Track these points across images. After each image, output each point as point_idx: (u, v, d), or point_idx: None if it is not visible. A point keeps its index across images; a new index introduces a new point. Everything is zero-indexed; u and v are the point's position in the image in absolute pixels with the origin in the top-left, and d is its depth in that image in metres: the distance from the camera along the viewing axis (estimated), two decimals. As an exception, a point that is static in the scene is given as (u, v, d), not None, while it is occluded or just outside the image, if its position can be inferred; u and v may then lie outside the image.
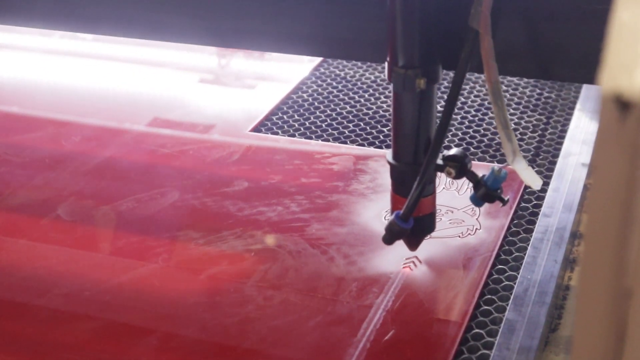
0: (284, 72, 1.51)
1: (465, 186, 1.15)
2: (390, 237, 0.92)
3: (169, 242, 1.06)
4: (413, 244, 0.98)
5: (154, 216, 1.12)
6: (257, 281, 0.99)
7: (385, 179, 1.18)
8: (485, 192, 0.91)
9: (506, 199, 0.92)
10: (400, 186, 0.94)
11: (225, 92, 1.47)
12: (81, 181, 1.20)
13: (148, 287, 0.99)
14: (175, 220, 1.10)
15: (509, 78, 1.44)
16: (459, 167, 0.90)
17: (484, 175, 0.91)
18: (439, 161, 0.91)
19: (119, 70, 1.54)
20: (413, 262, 1.01)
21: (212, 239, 1.06)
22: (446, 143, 1.27)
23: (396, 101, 0.91)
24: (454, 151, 0.91)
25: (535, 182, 0.89)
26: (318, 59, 1.52)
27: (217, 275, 1.00)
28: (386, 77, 0.89)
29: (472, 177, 0.91)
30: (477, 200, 0.92)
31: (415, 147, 0.91)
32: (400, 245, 0.97)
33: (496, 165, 0.90)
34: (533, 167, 1.20)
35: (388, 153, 0.95)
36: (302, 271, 1.00)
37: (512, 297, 0.95)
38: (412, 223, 0.91)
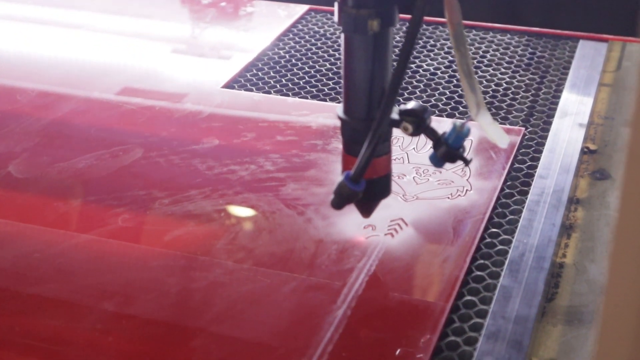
0: (259, 32, 1.41)
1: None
2: (339, 200, 0.81)
3: (130, 201, 0.97)
4: (366, 210, 0.88)
5: (115, 174, 1.02)
6: (227, 243, 0.90)
7: (367, 138, 1.09)
8: (447, 151, 0.80)
9: (469, 159, 0.81)
10: (352, 145, 0.84)
11: (200, 57, 1.36)
12: (35, 137, 1.10)
13: (106, 249, 0.89)
14: (138, 179, 1.01)
15: (499, 37, 1.35)
16: (417, 123, 0.79)
17: (444, 133, 0.81)
18: (395, 116, 0.80)
19: (89, 40, 1.42)
20: (398, 224, 0.92)
21: (179, 198, 0.97)
22: (407, 95, 1.18)
23: (347, 46, 0.80)
24: (411, 105, 0.81)
25: (502, 140, 0.80)
26: (296, 16, 1.43)
27: (183, 237, 0.91)
28: (335, 19, 0.79)
29: (432, 134, 0.80)
30: (438, 159, 0.81)
31: (368, 100, 0.81)
32: (384, 206, 0.88)
33: (458, 121, 0.80)
34: (527, 127, 1.12)
35: (338, 107, 0.84)
36: (277, 233, 0.91)
37: (507, 262, 0.87)
38: (364, 185, 0.80)
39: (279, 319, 0.80)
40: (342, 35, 0.80)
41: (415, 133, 0.80)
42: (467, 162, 0.81)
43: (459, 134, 0.80)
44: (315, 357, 0.75)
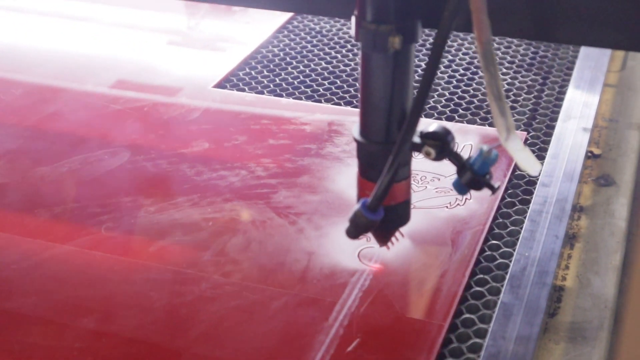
0: (254, 28, 1.36)
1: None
2: (355, 230, 0.76)
3: (114, 209, 0.92)
4: (382, 238, 0.82)
5: (100, 179, 0.98)
6: (215, 255, 0.85)
7: (363, 142, 1.04)
8: (472, 178, 0.74)
9: (496, 186, 0.76)
10: (368, 169, 0.78)
11: (193, 52, 1.31)
12: (18, 139, 1.05)
13: (88, 260, 0.85)
14: (124, 185, 0.97)
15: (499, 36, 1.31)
16: (440, 147, 0.74)
17: (469, 158, 0.75)
18: (416, 139, 0.75)
19: (82, 31, 1.37)
20: (394, 235, 0.88)
21: (165, 206, 0.93)
22: (428, 111, 1.14)
23: (365, 64, 0.75)
24: (434, 127, 0.75)
25: (533, 167, 0.74)
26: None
27: (168, 247, 0.87)
28: (352, 34, 0.73)
29: (456, 158, 0.75)
30: (462, 186, 0.75)
31: (388, 121, 0.75)
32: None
33: (485, 145, 0.75)
34: (529, 132, 1.08)
35: (355, 128, 0.78)
36: (267, 244, 0.87)
37: (507, 277, 0.83)
38: (382, 214, 0.75)
39: (267, 337, 0.76)
40: (360, 52, 0.75)
41: (438, 158, 0.75)
42: (494, 190, 0.75)
43: (486, 160, 0.74)
44: (304, 381, 0.71)
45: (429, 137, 0.74)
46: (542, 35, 0.74)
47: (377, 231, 0.80)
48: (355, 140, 0.77)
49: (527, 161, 0.71)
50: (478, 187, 0.75)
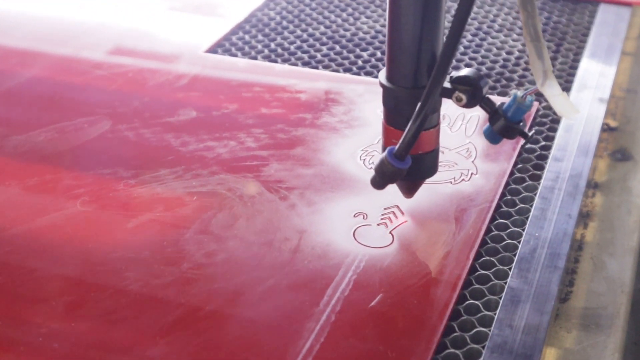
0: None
1: (459, 122, 0.95)
2: (381, 179, 0.73)
3: (92, 181, 0.86)
4: (408, 190, 0.79)
5: (77, 149, 0.91)
6: (198, 232, 0.79)
7: (363, 112, 0.97)
8: (505, 125, 0.71)
9: (530, 134, 0.72)
10: (395, 116, 0.74)
11: (183, 15, 1.23)
12: (-7, 105, 0.99)
13: (61, 237, 0.78)
14: (103, 155, 0.90)
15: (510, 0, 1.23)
16: (472, 92, 0.70)
17: (502, 104, 0.72)
18: (446, 84, 0.71)
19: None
20: (393, 212, 0.81)
21: (147, 178, 0.86)
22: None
23: (393, 1, 0.70)
24: (465, 71, 0.71)
25: (571, 113, 0.70)
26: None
27: (149, 224, 0.80)
28: None
29: (489, 105, 0.72)
30: (494, 134, 0.72)
31: (417, 65, 0.71)
32: (376, 193, 0.77)
33: (519, 91, 0.70)
34: (540, 102, 1.00)
35: (381, 73, 0.75)
36: (256, 221, 0.80)
37: (515, 259, 0.76)
38: (409, 162, 0.71)
39: (254, 322, 0.69)
40: None
41: (469, 104, 0.71)
42: (528, 138, 0.72)
43: (520, 106, 0.71)
44: (290, 373, 0.64)
45: (460, 82, 0.70)
46: None
47: (402, 182, 0.77)
48: (382, 85, 0.74)
49: (564, 107, 0.68)
50: (511, 135, 0.72)
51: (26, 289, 0.72)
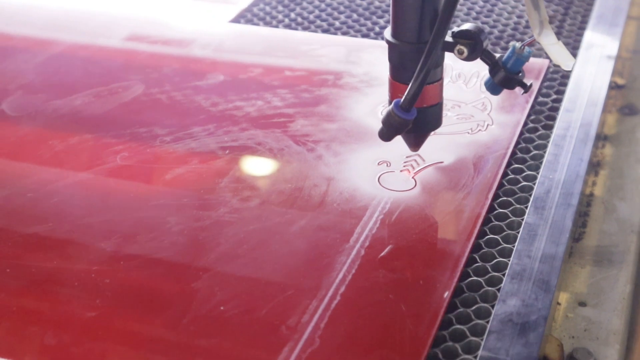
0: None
1: (474, 79, 1.00)
2: (388, 130, 0.77)
3: (129, 139, 0.91)
4: (414, 142, 0.83)
5: (114, 111, 0.96)
6: (233, 181, 0.84)
7: (382, 72, 1.02)
8: (505, 76, 0.75)
9: (529, 84, 0.76)
10: (400, 70, 0.78)
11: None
12: (31, 74, 1.04)
13: (103, 188, 0.84)
14: (138, 116, 0.95)
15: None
16: (473, 45, 0.74)
17: (502, 56, 0.76)
18: (448, 38, 0.74)
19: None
20: (415, 160, 0.86)
21: (181, 135, 0.91)
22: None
23: None
24: (466, 26, 0.75)
25: (567, 61, 0.74)
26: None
27: (185, 175, 0.85)
28: None
29: (489, 57, 0.75)
30: (495, 85, 0.76)
31: (420, 21, 0.75)
32: (399, 142, 0.82)
33: (517, 43, 0.74)
34: (551, 60, 1.05)
35: (386, 30, 0.79)
36: (285, 170, 0.86)
37: (532, 198, 0.81)
38: (415, 114, 0.75)
39: (289, 257, 0.74)
40: None
41: (470, 57, 0.75)
42: (527, 88, 0.75)
43: (519, 57, 0.74)
44: (327, 298, 0.69)
45: (461, 36, 0.74)
46: None
47: (409, 135, 0.80)
48: (387, 41, 0.77)
49: (560, 55, 0.71)
50: (511, 86, 0.75)
51: (78, 233, 0.78)
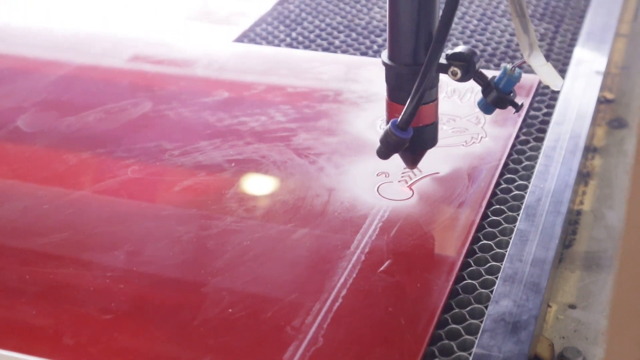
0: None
1: (468, 94, 1.04)
2: (385, 149, 0.80)
3: (139, 153, 0.95)
4: (411, 160, 0.87)
5: (124, 127, 1.00)
6: (238, 192, 0.88)
7: (380, 88, 1.06)
8: (497, 96, 0.78)
9: (520, 103, 0.80)
10: (397, 91, 0.81)
11: (211, 10, 1.34)
12: (44, 92, 1.08)
13: (115, 200, 0.88)
14: (147, 131, 0.99)
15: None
16: (466, 67, 0.77)
17: (494, 77, 0.79)
18: (442, 60, 0.78)
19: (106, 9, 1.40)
20: (412, 171, 0.90)
21: (189, 149, 0.96)
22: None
23: None
24: (460, 48, 0.79)
25: (555, 81, 0.77)
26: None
27: (193, 186, 0.89)
28: None
29: (481, 78, 0.79)
30: (487, 105, 0.80)
31: (415, 43, 0.79)
32: (396, 156, 0.86)
33: (508, 64, 0.78)
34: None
35: (383, 53, 0.83)
36: (289, 181, 0.90)
37: (523, 206, 0.85)
38: (411, 132, 0.79)
39: (293, 262, 0.78)
40: None
41: (464, 78, 0.78)
42: (518, 108, 0.78)
43: (510, 78, 0.77)
44: (329, 300, 0.73)
45: (455, 58, 0.78)
46: None
47: (406, 154, 0.84)
48: (384, 63, 0.81)
49: (549, 76, 0.75)
50: (503, 105, 0.78)
51: (92, 241, 0.82)
